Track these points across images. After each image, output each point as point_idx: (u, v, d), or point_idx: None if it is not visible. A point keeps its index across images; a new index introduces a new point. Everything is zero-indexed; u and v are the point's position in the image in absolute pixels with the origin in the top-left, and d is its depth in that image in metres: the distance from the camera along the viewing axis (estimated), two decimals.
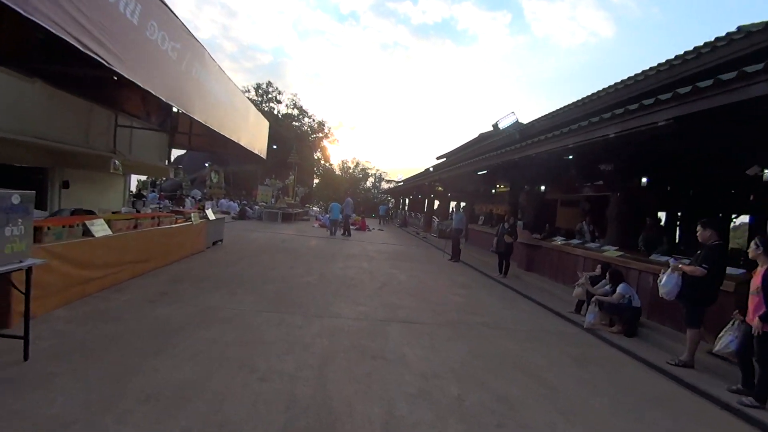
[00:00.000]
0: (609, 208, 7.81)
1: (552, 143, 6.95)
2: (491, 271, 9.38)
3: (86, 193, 7.68)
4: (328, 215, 17.01)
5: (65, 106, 6.30)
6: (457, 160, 18.83)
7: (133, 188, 26.41)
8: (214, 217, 8.48)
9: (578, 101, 8.85)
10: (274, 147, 30.74)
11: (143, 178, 28.90)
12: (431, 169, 24.08)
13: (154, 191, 25.60)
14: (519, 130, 11.21)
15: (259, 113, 9.34)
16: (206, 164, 30.74)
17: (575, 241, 8.28)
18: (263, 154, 10.02)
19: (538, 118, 10.88)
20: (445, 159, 25.09)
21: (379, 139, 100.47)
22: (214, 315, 4.21)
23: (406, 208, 34.10)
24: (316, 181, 41.17)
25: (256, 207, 20.14)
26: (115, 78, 3.86)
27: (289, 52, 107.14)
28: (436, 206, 25.99)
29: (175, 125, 9.37)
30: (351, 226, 18.85)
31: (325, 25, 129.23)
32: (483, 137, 18.17)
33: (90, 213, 5.41)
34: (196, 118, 5.13)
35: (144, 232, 5.58)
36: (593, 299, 5.63)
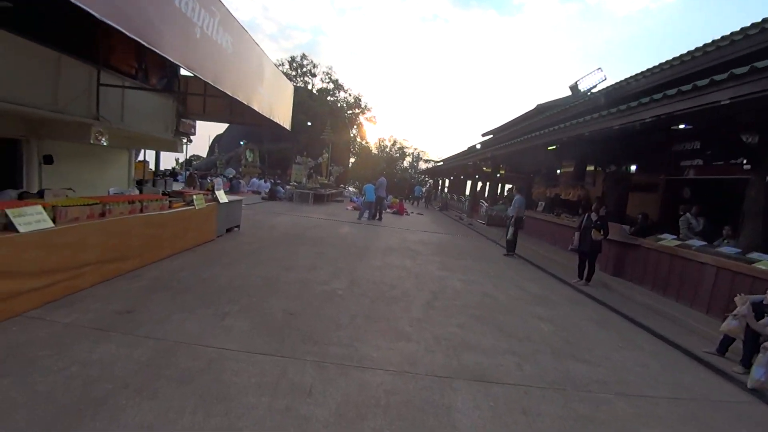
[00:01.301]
0: (747, 198, 5.57)
1: (689, 100, 4.71)
2: (564, 274, 7.34)
3: (76, 170, 6.46)
4: (362, 197, 15.35)
5: (24, 57, 4.90)
6: (508, 136, 16.48)
7: (168, 166, 26.35)
8: (225, 200, 7.04)
9: (694, 51, 6.28)
10: (309, 124, 29.30)
11: (182, 156, 28.74)
12: (478, 146, 21.71)
13: (188, 170, 25.18)
14: (604, 94, 8.77)
15: (279, 71, 7.65)
16: (241, 142, 29.97)
17: (697, 243, 6.02)
18: (287, 125, 8.39)
19: (635, 75, 8.32)
20: (492, 136, 22.57)
21: (417, 117, 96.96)
22: (176, 362, 2.66)
23: (446, 190, 31.84)
24: (351, 160, 39.53)
25: (288, 187, 18.86)
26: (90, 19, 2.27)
27: (326, 30, 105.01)
28: (479, 189, 23.63)
29: (185, 89, 7.96)
30: (388, 210, 17.20)
31: (362, 1, 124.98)
32: (541, 109, 15.72)
33: (40, 196, 4.05)
34: (169, 59, 3.50)
35: (114, 221, 4.15)
36: (764, 345, 3.56)
